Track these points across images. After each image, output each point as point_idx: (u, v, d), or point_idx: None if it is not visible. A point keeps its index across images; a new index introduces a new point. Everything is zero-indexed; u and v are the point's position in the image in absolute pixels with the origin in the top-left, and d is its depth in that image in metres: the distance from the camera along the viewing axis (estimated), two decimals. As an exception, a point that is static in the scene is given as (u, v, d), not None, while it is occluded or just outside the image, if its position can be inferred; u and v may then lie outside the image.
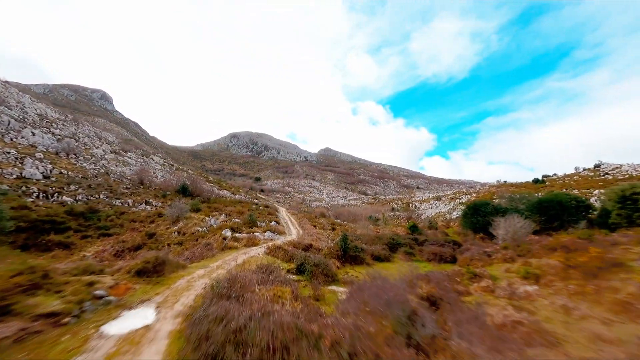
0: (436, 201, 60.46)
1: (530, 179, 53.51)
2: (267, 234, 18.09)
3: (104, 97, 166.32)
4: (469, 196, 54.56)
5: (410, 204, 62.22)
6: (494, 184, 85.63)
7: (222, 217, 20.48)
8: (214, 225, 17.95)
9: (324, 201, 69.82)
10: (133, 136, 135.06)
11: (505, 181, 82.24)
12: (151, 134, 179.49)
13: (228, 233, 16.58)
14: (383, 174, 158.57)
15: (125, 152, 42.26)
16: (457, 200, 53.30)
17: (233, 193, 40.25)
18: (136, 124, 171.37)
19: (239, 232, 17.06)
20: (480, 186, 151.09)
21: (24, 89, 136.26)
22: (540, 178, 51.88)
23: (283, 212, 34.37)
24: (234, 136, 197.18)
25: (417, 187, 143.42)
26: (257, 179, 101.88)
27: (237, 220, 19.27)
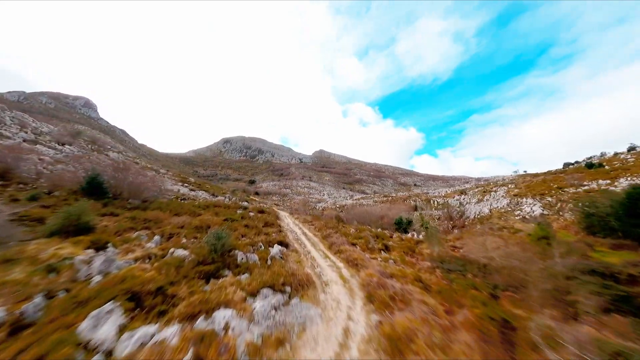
0: (462, 195, 48.65)
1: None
2: (260, 305, 5.14)
3: (87, 104, 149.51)
4: (505, 188, 42.87)
5: (431, 201, 50.33)
6: (510, 176, 74.73)
7: (151, 243, 7.86)
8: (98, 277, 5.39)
9: (327, 202, 57.24)
10: (118, 143, 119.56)
11: (525, 171, 71.40)
12: (140, 141, 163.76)
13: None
14: (379, 173, 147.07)
15: (62, 144, 28.71)
16: (493, 192, 41.52)
17: (213, 194, 26.91)
18: (123, 132, 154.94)
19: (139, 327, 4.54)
20: (476, 181, 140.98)
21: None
22: (596, 161, 40.52)
23: (288, 220, 21.31)
24: (226, 141, 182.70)
25: (415, 185, 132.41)
26: (252, 182, 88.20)
27: (179, 252, 6.71)
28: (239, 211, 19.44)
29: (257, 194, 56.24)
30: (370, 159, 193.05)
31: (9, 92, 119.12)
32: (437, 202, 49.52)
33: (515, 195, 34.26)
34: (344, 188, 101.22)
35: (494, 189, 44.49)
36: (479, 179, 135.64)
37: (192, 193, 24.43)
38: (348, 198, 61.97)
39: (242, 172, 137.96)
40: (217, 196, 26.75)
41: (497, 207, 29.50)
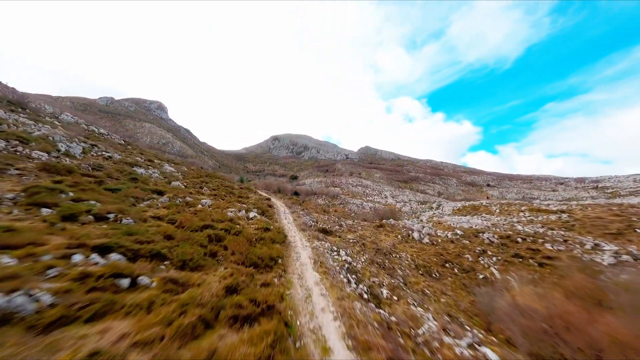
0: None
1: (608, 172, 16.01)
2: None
3: (160, 107, 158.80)
4: None
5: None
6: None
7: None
8: None
9: (404, 205, 39.59)
10: (177, 140, 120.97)
11: None
12: (201, 139, 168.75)
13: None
14: (437, 171, 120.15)
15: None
16: None
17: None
18: (187, 131, 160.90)
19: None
20: (575, 182, 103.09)
21: (90, 102, 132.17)
22: None
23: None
24: (275, 138, 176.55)
25: (488, 185, 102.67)
26: (294, 178, 75.04)
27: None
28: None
29: (296, 194, 41.60)
30: (419, 155, 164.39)
31: (100, 97, 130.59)
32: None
33: None
34: (399, 187, 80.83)
35: None
36: (581, 179, 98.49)
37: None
38: (434, 204, 42.85)
39: (287, 168, 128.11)
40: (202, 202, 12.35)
41: None
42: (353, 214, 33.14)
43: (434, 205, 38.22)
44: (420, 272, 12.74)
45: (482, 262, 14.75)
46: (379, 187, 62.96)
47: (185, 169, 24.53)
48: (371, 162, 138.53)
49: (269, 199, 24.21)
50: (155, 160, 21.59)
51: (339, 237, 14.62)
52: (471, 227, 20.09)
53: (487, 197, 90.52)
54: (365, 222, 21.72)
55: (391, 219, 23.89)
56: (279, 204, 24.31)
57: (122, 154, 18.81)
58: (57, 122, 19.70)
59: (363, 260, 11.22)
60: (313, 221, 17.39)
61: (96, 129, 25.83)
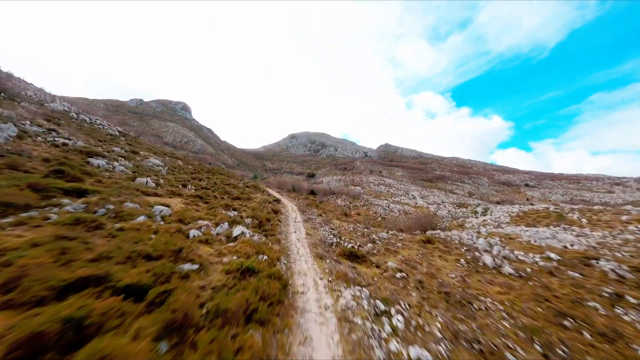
0: None
1: None
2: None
3: (184, 107, 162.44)
4: None
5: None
6: None
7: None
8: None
9: (439, 207, 33.11)
10: (198, 139, 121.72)
11: None
12: (222, 138, 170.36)
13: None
14: (465, 169, 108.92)
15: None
16: None
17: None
18: (210, 130, 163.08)
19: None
20: (636, 183, 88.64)
21: (121, 104, 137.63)
22: None
23: None
24: (293, 137, 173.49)
25: (526, 185, 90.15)
26: (311, 175, 70.07)
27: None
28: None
29: (313, 193, 36.42)
30: (442, 153, 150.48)
31: (130, 99, 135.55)
32: None
33: None
34: (423, 187, 72.72)
35: None
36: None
37: None
38: (478, 208, 35.81)
39: (305, 166, 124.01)
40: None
41: None
42: (380, 218, 27.22)
43: (478, 210, 30.94)
44: (535, 343, 6.85)
45: (624, 316, 8.41)
46: (404, 187, 55.79)
47: (181, 163, 20.30)
48: (392, 160, 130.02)
49: (278, 201, 19.24)
50: (142, 152, 17.50)
51: (377, 266, 9.07)
52: (566, 247, 13.45)
53: (527, 199, 78.95)
54: (404, 234, 15.87)
55: (438, 230, 17.74)
56: (290, 206, 19.23)
57: (98, 144, 14.78)
58: (26, 105, 16.14)
59: (438, 327, 5.63)
60: (334, 235, 12.00)
61: (88, 119, 22.52)
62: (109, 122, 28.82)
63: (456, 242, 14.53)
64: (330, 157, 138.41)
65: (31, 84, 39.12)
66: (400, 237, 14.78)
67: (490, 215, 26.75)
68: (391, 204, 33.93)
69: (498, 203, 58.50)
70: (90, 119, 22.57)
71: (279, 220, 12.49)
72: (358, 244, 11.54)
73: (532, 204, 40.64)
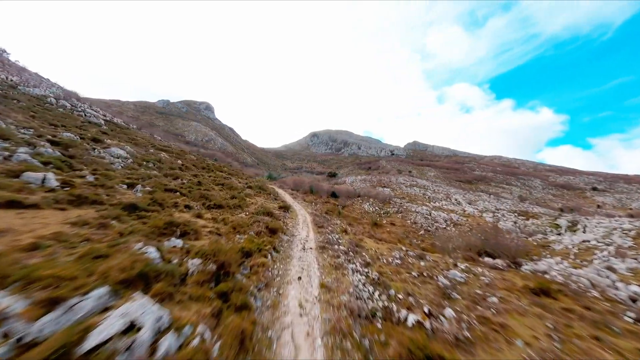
0: None
1: None
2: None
3: (208, 107, 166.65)
4: None
5: None
6: None
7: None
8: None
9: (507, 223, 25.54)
10: (219, 137, 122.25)
11: None
12: (244, 137, 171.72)
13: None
14: (511, 169, 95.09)
15: None
16: None
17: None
18: (231, 129, 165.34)
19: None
20: None
21: (150, 105, 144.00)
22: None
23: None
24: (314, 135, 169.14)
25: (594, 189, 75.10)
26: (332, 175, 64.16)
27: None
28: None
29: (334, 195, 30.69)
30: (478, 151, 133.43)
31: (158, 100, 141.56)
32: None
33: None
34: (462, 189, 63.00)
35: None
36: None
37: None
38: (561, 221, 27.62)
39: (326, 165, 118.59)
40: None
41: None
42: (422, 231, 20.66)
43: (562, 223, 22.68)
44: None
45: None
46: (442, 189, 47.52)
47: (166, 156, 15.87)
48: (422, 158, 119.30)
49: (285, 208, 13.88)
50: (108, 141, 13.33)
51: None
52: None
53: (598, 206, 64.66)
54: (481, 268, 9.46)
55: (525, 260, 10.99)
56: (302, 217, 13.73)
57: (40, 127, 10.66)
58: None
59: None
60: (373, 282, 6.20)
61: (70, 105, 19.19)
62: (132, 120, 25.87)
63: (585, 287, 7.86)
64: (353, 155, 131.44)
65: (47, 79, 38.43)
66: (484, 279, 8.46)
67: (590, 232, 18.63)
68: (432, 211, 26.97)
69: (562, 210, 47.68)
70: (73, 104, 19.26)
71: (272, 251, 7.04)
72: (425, 309, 5.67)
73: (619, 215, 30.55)
